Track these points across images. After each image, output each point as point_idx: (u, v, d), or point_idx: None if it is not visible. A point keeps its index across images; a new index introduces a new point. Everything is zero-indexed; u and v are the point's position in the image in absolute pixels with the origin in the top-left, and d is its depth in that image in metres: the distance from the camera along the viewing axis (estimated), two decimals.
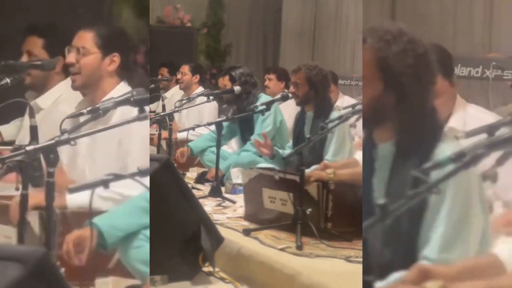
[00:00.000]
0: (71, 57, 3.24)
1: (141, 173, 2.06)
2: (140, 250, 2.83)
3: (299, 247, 3.26)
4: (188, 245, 3.03)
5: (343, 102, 7.05)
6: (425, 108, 2.19)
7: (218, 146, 4.84)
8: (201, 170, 5.92)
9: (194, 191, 4.12)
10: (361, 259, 3.14)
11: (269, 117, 5.43)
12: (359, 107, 4.26)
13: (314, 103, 4.85)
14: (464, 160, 1.77)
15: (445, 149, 2.08)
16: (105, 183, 2.04)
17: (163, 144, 5.43)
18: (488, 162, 2.19)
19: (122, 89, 3.20)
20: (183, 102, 6.16)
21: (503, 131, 1.95)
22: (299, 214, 3.43)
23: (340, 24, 11.17)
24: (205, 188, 5.10)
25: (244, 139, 5.74)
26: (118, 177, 2.05)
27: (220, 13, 12.13)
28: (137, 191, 2.80)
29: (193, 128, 5.41)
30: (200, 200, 3.61)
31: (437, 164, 1.78)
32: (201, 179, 5.56)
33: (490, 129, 2.73)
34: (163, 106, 5.49)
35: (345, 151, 4.69)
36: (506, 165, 2.61)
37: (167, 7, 11.50)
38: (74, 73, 3.24)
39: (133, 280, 2.93)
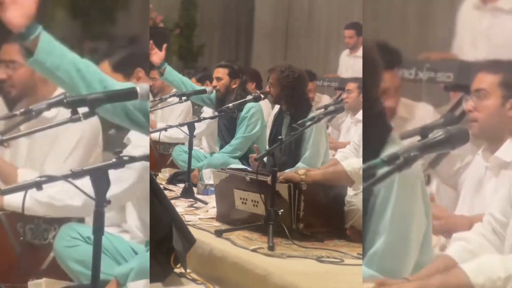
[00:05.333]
0: (1, 74, 3.25)
1: (74, 175, 2.03)
2: (75, 249, 2.82)
3: (271, 248, 3.26)
4: (160, 246, 3.02)
5: (321, 101, 7.10)
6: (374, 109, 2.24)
7: (190, 147, 4.85)
8: (173, 171, 5.90)
9: (166, 192, 4.12)
10: (332, 259, 3.16)
11: (257, 124, 5.47)
12: (331, 108, 4.29)
13: (292, 103, 4.88)
14: (397, 162, 1.79)
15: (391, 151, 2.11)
16: (38, 185, 2.01)
17: None
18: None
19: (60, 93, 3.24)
20: (156, 102, 6.13)
21: (436, 133, 1.98)
22: (271, 214, 3.43)
23: (313, 24, 11.19)
24: (177, 189, 5.09)
25: (223, 140, 5.75)
26: (51, 178, 2.02)
27: (193, 14, 12.09)
28: (79, 200, 2.79)
29: (165, 129, 5.40)
30: (172, 201, 3.61)
31: (371, 167, 1.80)
32: (173, 180, 5.55)
33: (423, 131, 2.78)
34: None
35: (320, 154, 4.71)
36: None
37: None
38: (8, 86, 3.26)
39: (66, 282, 2.92)
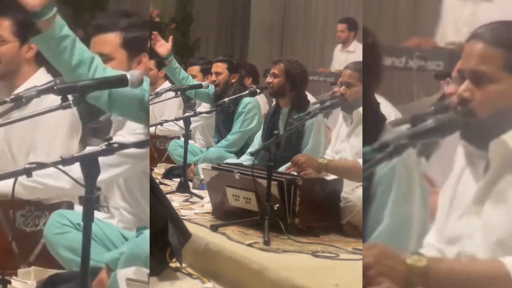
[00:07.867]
0: None
1: (64, 161, 2.02)
2: (65, 236, 2.82)
3: (267, 243, 3.27)
4: (156, 241, 3.01)
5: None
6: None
7: (186, 141, 4.84)
8: (169, 166, 5.90)
9: (162, 187, 4.11)
10: (327, 254, 3.16)
11: (254, 119, 5.50)
12: (327, 103, 4.29)
13: (290, 99, 4.88)
14: (387, 150, 1.79)
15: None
16: (27, 172, 2.00)
17: None
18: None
19: (41, 75, 3.25)
20: (152, 97, 6.12)
21: (426, 122, 1.97)
22: (266, 209, 3.43)
23: (309, 19, 11.18)
24: (173, 184, 5.09)
25: (220, 135, 5.76)
26: (41, 165, 2.01)
27: (189, 8, 12.06)
28: (63, 181, 2.78)
29: (161, 124, 5.39)
30: (168, 196, 3.60)
31: (363, 155, 1.81)
32: (169, 174, 5.54)
33: (413, 120, 2.77)
34: None
35: (320, 149, 4.72)
36: None
37: None
38: None
39: (56, 270, 2.91)
